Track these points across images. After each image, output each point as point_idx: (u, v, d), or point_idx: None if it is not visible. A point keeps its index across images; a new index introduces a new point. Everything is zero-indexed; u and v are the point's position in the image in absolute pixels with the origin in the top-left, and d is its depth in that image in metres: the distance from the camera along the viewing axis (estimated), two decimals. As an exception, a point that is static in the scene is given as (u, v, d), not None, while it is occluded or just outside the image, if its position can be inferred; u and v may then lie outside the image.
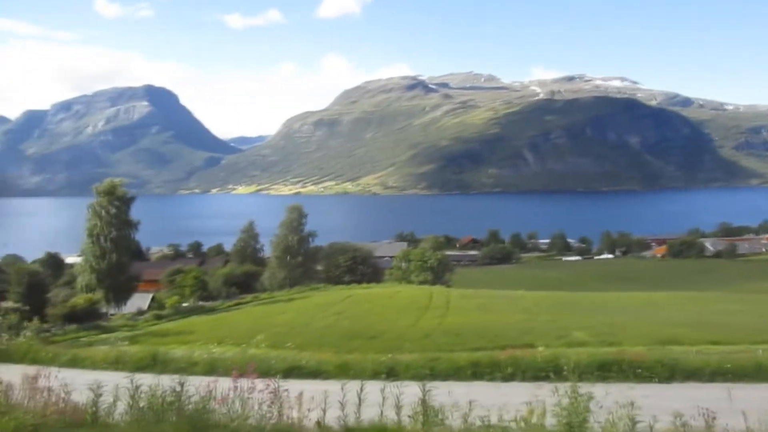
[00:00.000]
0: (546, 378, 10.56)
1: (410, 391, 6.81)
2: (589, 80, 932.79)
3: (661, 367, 11.18)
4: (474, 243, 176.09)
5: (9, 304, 43.87)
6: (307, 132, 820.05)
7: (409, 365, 12.18)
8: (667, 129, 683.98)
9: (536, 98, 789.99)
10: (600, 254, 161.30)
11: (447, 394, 7.10)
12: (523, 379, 11.38)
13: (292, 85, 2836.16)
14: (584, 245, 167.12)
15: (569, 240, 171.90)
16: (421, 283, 67.11)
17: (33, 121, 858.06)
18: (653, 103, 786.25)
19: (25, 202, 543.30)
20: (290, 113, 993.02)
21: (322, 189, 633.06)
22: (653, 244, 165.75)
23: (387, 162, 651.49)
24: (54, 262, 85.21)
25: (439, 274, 73.63)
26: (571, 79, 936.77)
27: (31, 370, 8.76)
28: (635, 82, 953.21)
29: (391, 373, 11.71)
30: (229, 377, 6.97)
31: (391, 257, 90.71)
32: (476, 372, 11.89)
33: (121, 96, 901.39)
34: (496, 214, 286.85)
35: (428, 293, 49.90)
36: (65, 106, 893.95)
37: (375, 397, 6.70)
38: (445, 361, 12.62)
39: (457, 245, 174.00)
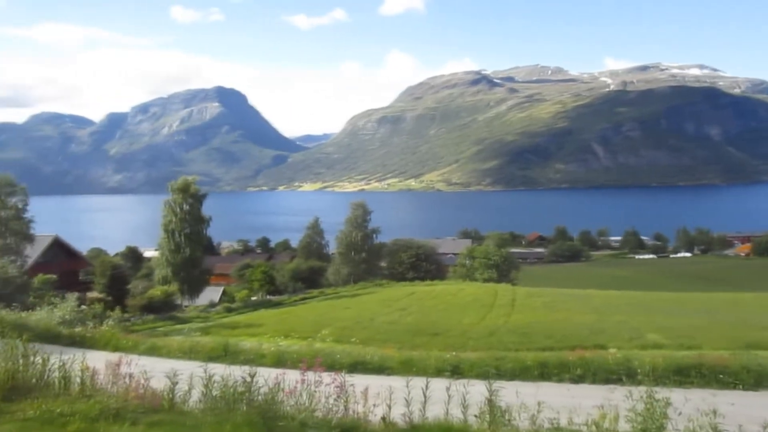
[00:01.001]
0: (618, 381, 10.14)
1: (476, 389, 6.70)
2: (665, 69, 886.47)
3: (747, 373, 10.43)
4: (541, 240, 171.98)
5: (94, 294, 46.48)
6: (371, 129, 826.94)
7: (474, 363, 12.01)
8: (751, 118, 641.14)
9: (607, 90, 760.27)
10: (676, 252, 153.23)
11: (514, 394, 6.94)
12: (594, 381, 10.96)
13: (356, 83, 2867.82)
14: (659, 243, 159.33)
15: (643, 237, 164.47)
16: (486, 280, 66.14)
17: (115, 123, 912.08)
18: (736, 91, 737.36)
19: (108, 199, 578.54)
20: (354, 111, 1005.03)
21: (386, 186, 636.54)
22: (736, 242, 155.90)
23: (451, 158, 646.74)
24: (134, 256, 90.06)
25: (504, 271, 72.36)
26: (644, 68, 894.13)
27: (113, 356, 9.30)
28: (716, 70, 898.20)
29: (456, 371, 11.59)
30: (296, 370, 7.11)
31: (454, 254, 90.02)
32: (544, 372, 11.57)
33: (194, 98, 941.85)
34: (563, 210, 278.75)
35: (493, 291, 49.15)
36: (143, 109, 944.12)
37: (440, 395, 6.63)
38: (511, 360, 12.37)
39: (523, 242, 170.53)
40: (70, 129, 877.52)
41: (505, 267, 73.32)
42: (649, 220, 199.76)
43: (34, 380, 7.15)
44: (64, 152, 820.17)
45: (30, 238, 43.66)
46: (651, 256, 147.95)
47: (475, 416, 6.32)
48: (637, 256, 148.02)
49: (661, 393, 6.04)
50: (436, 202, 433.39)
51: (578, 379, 11.12)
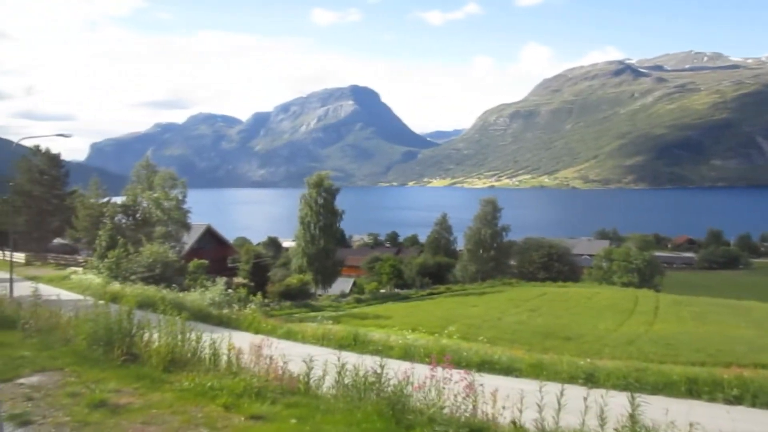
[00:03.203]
0: (786, 407, 8.90)
1: (615, 401, 6.20)
2: None
3: None
4: (690, 244, 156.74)
5: (239, 279, 50.42)
6: (502, 124, 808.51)
7: (611, 373, 11.24)
8: None
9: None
10: None
11: (660, 411, 6.33)
12: (754, 404, 9.75)
13: (488, 77, 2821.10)
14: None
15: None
16: (625, 285, 61.91)
17: (259, 121, 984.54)
18: None
19: (253, 192, 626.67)
20: (486, 106, 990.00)
21: (517, 182, 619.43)
22: None
23: (588, 154, 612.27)
24: (274, 245, 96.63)
25: (646, 276, 67.18)
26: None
27: (255, 338, 10.01)
28: None
29: (590, 379, 10.93)
30: (423, 364, 7.11)
31: (590, 256, 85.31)
32: (692, 389, 10.52)
33: (330, 96, 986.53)
34: (719, 211, 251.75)
35: (633, 296, 45.87)
36: (284, 108, 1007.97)
37: (574, 404, 6.24)
38: (654, 372, 11.42)
39: (669, 246, 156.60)
40: (221, 128, 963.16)
41: (647, 271, 68.03)
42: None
43: (189, 355, 7.91)
44: (216, 149, 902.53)
45: (187, 227, 48.53)
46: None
47: (615, 430, 5.86)
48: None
49: None
50: (571, 200, 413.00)
51: (734, 401, 9.97)
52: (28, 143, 50.37)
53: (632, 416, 5.86)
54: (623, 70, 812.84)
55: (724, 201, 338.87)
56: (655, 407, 6.27)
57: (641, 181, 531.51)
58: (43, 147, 50.31)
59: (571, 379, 10.77)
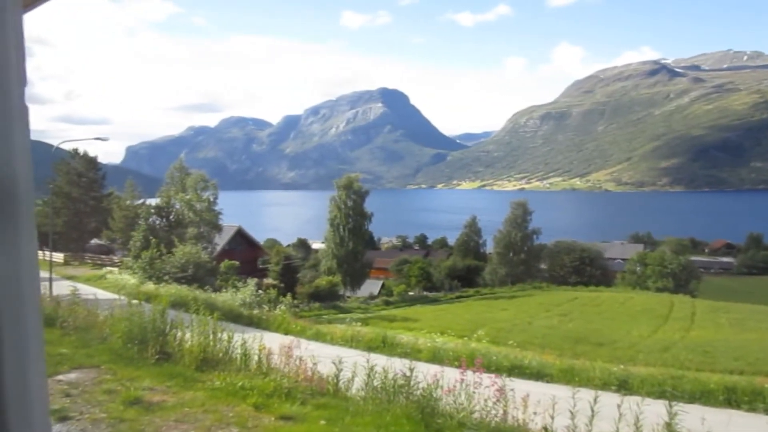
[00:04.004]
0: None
1: (650, 410, 6.05)
2: None
3: None
4: (728, 248, 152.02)
5: (269, 280, 50.91)
6: (533, 126, 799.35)
7: (646, 380, 11.01)
8: None
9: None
10: None
11: (697, 420, 6.15)
12: (796, 415, 9.39)
13: (519, 79, 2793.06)
14: None
15: None
16: (660, 290, 60.37)
17: (290, 124, 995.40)
18: None
19: (283, 194, 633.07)
20: (516, 108, 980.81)
21: (548, 185, 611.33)
22: None
23: (622, 156, 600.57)
24: (303, 247, 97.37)
25: (681, 281, 65.36)
26: None
27: (285, 339, 10.09)
28: None
29: (624, 386, 10.72)
30: (452, 368, 7.06)
31: (623, 260, 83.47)
32: (731, 399, 10.22)
33: (359, 99, 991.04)
34: (759, 215, 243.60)
35: (668, 302, 44.75)
36: (314, 111, 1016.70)
37: (607, 411, 6.10)
38: (691, 380, 11.12)
39: (706, 250, 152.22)
40: (252, 131, 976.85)
41: (683, 276, 66.18)
42: None
43: (220, 354, 8.02)
44: (247, 151, 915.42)
45: (219, 228, 49.30)
46: None
47: (651, 439, 5.72)
48: None
49: None
50: (604, 203, 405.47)
51: (776, 412, 9.61)
52: (67, 146, 52.01)
53: (669, 425, 5.71)
54: (658, 70, 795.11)
55: (765, 204, 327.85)
56: (692, 416, 6.10)
57: (677, 183, 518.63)
58: (81, 150, 51.81)
59: (604, 386, 10.58)
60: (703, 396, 10.42)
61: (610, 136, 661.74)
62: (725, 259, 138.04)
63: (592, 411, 5.83)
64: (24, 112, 0.93)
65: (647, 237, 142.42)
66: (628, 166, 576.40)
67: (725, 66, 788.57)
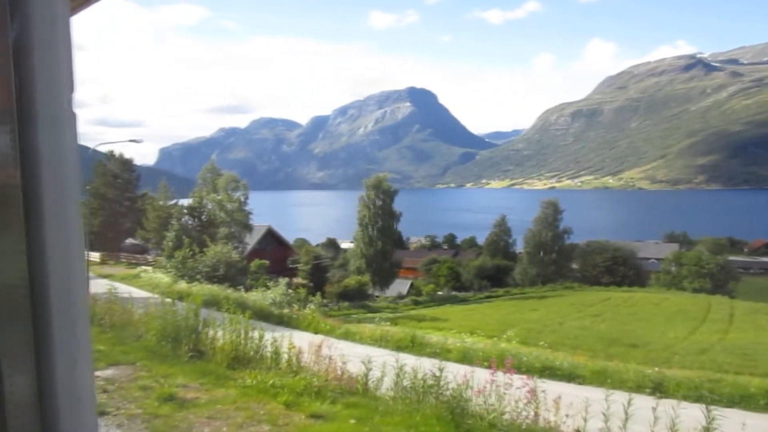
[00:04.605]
0: None
1: (687, 413, 5.90)
2: None
3: None
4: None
5: (298, 280, 51.35)
6: (563, 124, 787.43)
7: (682, 383, 10.72)
8: None
9: None
10: None
11: (737, 425, 5.97)
12: (842, 421, 9.03)
13: (548, 76, 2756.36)
14: None
15: None
16: (696, 291, 58.79)
17: (318, 125, 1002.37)
18: None
19: (312, 194, 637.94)
20: (546, 105, 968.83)
21: (579, 183, 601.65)
22: None
23: (656, 153, 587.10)
24: (333, 246, 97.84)
25: (719, 282, 63.51)
26: None
27: (315, 338, 10.16)
28: None
29: (658, 389, 10.47)
30: (482, 368, 7.00)
31: (657, 260, 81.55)
32: (773, 403, 9.86)
33: (387, 99, 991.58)
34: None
35: (705, 303, 43.59)
36: (342, 111, 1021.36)
37: (642, 414, 5.97)
38: (729, 384, 10.80)
39: (745, 250, 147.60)
40: (281, 131, 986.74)
41: (721, 277, 64.29)
42: None
43: (251, 353, 8.12)
44: (276, 152, 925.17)
45: (249, 228, 49.96)
46: None
47: (688, 444, 5.57)
48: None
49: None
50: (637, 202, 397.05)
51: (821, 417, 9.26)
52: (103, 149, 53.43)
53: (707, 429, 5.55)
54: (694, 65, 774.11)
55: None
56: (731, 421, 5.93)
57: (714, 181, 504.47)
58: (116, 152, 53.15)
59: (638, 389, 10.36)
60: (743, 400, 10.11)
61: (644, 133, 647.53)
62: (765, 259, 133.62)
63: (626, 414, 5.71)
64: (73, 118, 0.95)
65: (683, 236, 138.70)
66: (663, 164, 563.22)
67: (766, 59, 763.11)
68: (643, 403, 6.27)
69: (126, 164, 53.19)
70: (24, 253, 0.89)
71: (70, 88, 0.95)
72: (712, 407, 5.81)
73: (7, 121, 0.88)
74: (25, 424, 0.89)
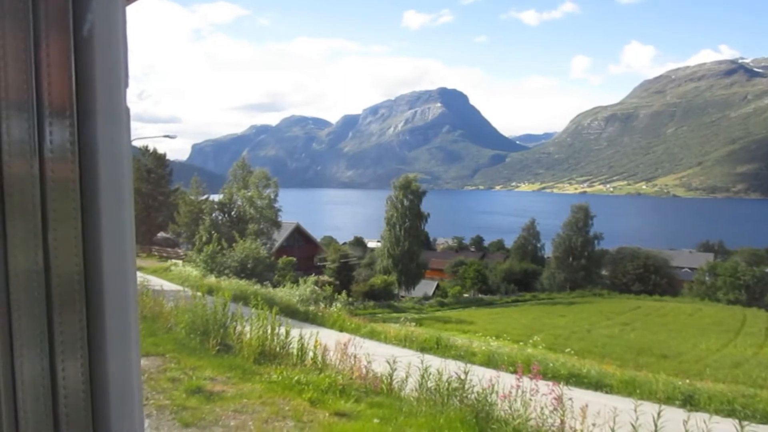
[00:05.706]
0: None
1: (719, 428, 5.75)
2: None
3: None
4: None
5: (325, 278, 51.67)
6: (597, 128, 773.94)
7: (714, 396, 10.44)
8: None
9: None
10: None
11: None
12: None
13: (583, 79, 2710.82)
14: None
15: None
16: (731, 302, 57.18)
17: (348, 124, 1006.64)
18: None
19: (341, 193, 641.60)
20: (580, 109, 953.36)
21: (612, 189, 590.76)
22: None
23: (693, 160, 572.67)
24: (360, 245, 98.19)
25: (756, 294, 61.58)
26: None
27: (341, 336, 10.22)
28: None
29: (689, 401, 10.24)
30: (508, 373, 6.94)
31: (691, 269, 79.55)
32: (812, 421, 9.53)
33: (418, 99, 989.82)
34: None
35: (740, 315, 42.40)
36: (373, 111, 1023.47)
37: (672, 427, 5.84)
38: (764, 400, 10.48)
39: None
40: (312, 130, 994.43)
41: (758, 289, 62.33)
42: None
43: (278, 348, 8.21)
44: (307, 150, 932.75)
45: (278, 225, 50.49)
46: None
47: (719, 459, 5.42)
48: None
49: None
50: (672, 209, 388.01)
51: None
52: (139, 144, 54.60)
53: (740, 446, 5.39)
54: (735, 70, 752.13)
55: None
56: (766, 438, 5.75)
57: (753, 190, 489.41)
58: (151, 147, 54.31)
59: (668, 400, 10.14)
60: (779, 417, 9.80)
61: (681, 140, 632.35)
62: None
63: (656, 425, 5.59)
64: (127, 113, 0.97)
65: (719, 246, 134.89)
66: (700, 171, 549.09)
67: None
68: (673, 415, 6.13)
69: (160, 159, 54.29)
70: (80, 245, 0.90)
71: (125, 83, 0.96)
72: (745, 423, 5.65)
73: (66, 116, 0.90)
74: (76, 413, 0.90)
